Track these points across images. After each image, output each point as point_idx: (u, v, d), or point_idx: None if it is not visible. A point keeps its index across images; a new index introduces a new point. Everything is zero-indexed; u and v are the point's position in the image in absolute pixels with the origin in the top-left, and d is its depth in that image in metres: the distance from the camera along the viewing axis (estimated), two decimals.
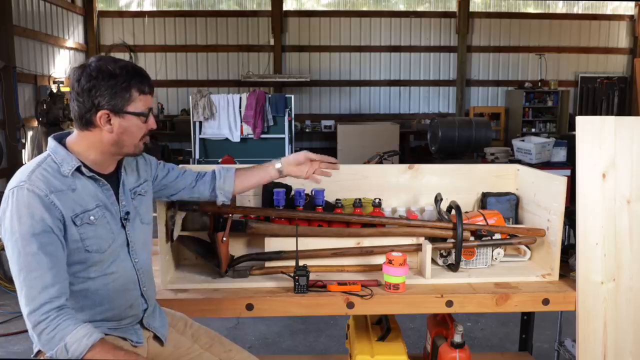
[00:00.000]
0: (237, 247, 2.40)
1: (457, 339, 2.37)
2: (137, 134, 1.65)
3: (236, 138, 8.01)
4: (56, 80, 9.42)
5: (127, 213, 1.72)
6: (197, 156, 7.97)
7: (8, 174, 7.99)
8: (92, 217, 1.60)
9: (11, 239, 1.50)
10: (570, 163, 7.21)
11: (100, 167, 1.67)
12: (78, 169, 1.60)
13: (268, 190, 2.42)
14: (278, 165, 2.07)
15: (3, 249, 4.86)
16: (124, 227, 1.70)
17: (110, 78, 1.57)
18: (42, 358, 1.64)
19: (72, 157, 1.60)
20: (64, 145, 1.63)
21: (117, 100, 1.58)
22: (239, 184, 2.05)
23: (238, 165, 2.16)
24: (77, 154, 1.62)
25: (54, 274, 1.49)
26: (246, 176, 2.07)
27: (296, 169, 2.09)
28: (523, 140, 7.91)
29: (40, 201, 1.50)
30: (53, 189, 1.54)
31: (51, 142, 1.64)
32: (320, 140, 12.21)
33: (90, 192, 1.62)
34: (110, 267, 1.66)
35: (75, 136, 1.65)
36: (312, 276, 2.14)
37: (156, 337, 1.84)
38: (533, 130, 11.86)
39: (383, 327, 2.42)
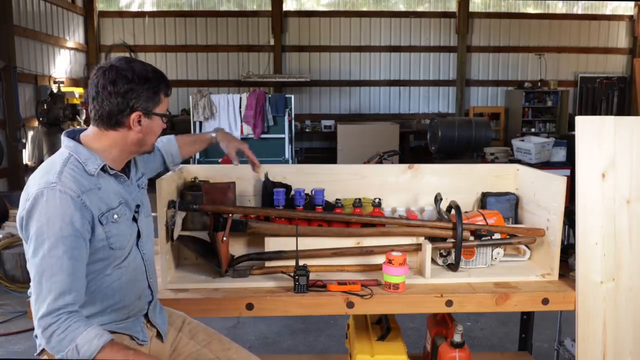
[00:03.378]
0: (237, 247, 2.40)
1: (457, 338, 2.37)
2: (158, 133, 1.74)
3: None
4: (57, 80, 9.42)
5: (138, 206, 1.76)
6: (197, 156, 7.97)
7: (8, 174, 7.99)
8: (115, 216, 1.63)
9: (36, 240, 1.49)
10: (569, 163, 7.21)
11: (116, 165, 1.70)
12: (102, 168, 1.63)
13: (268, 190, 2.43)
14: (213, 134, 2.31)
15: (4, 248, 4.85)
16: (135, 220, 1.74)
17: (146, 82, 1.62)
18: (45, 358, 1.64)
19: (95, 156, 1.62)
20: (79, 143, 1.64)
21: (149, 103, 1.64)
22: (183, 152, 2.22)
23: (177, 136, 2.31)
24: (97, 152, 1.64)
25: (72, 280, 1.50)
26: (188, 144, 2.25)
27: (227, 139, 2.31)
28: (523, 140, 7.91)
29: (72, 202, 1.51)
30: (84, 189, 1.55)
31: (69, 141, 1.64)
32: (320, 140, 12.21)
33: (114, 190, 1.66)
34: (124, 261, 1.69)
35: (94, 134, 1.66)
36: (312, 276, 2.14)
37: (158, 335, 1.86)
38: (533, 130, 11.86)
39: (383, 327, 2.43)
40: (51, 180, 1.52)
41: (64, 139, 1.65)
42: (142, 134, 1.67)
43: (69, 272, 1.48)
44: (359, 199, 2.42)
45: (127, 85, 1.59)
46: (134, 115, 1.62)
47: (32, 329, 1.54)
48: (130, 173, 1.78)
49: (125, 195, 1.70)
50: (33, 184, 1.55)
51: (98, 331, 1.50)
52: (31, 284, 1.51)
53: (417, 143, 12.12)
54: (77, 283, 1.51)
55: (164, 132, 1.81)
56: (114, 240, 1.62)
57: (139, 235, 1.76)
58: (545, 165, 7.22)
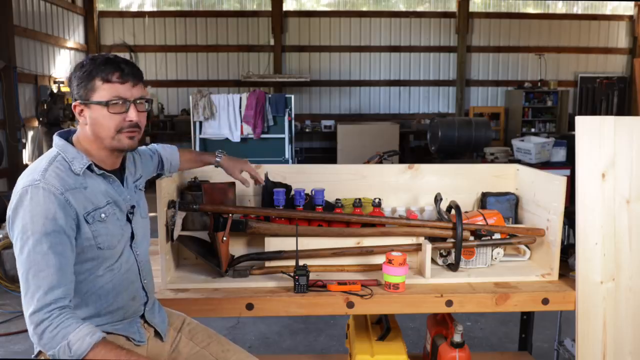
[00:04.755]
0: (237, 247, 2.40)
1: (457, 338, 2.37)
2: (107, 125, 1.60)
3: (236, 138, 8.00)
4: (57, 80, 9.43)
5: (133, 207, 1.75)
6: None
7: (8, 174, 7.99)
8: (103, 215, 1.62)
9: (22, 238, 1.50)
10: (569, 163, 7.21)
11: (106, 164, 1.69)
12: (89, 167, 1.62)
13: (268, 190, 2.43)
14: (218, 159, 2.30)
15: (4, 248, 4.86)
16: (129, 221, 1.73)
17: (80, 68, 1.61)
18: (43, 358, 1.64)
19: (82, 155, 1.62)
20: (70, 143, 1.65)
21: (81, 91, 1.60)
22: (183, 166, 2.25)
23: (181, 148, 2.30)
24: (85, 152, 1.64)
25: (61, 275, 1.49)
26: (190, 160, 2.28)
27: (231, 165, 2.32)
28: (523, 140, 7.91)
29: (55, 200, 1.51)
30: (68, 187, 1.55)
31: (58, 140, 1.65)
32: (320, 140, 12.22)
33: (101, 189, 1.65)
34: (116, 263, 1.68)
35: (78, 133, 1.67)
36: (312, 276, 2.14)
37: (157, 334, 1.85)
38: (533, 130, 11.88)
39: (383, 327, 2.43)
40: (36, 178, 1.53)
41: (55, 138, 1.66)
42: (89, 126, 1.63)
43: (57, 267, 1.48)
44: (359, 199, 2.42)
45: (70, 77, 1.62)
46: (74, 105, 1.63)
47: None
48: (125, 173, 1.76)
49: (114, 195, 1.68)
50: (20, 182, 1.56)
51: (90, 329, 1.48)
52: (20, 282, 1.51)
53: (417, 143, 12.13)
54: (65, 278, 1.50)
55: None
56: (102, 240, 1.61)
57: (132, 237, 1.74)
58: (545, 165, 7.21)
